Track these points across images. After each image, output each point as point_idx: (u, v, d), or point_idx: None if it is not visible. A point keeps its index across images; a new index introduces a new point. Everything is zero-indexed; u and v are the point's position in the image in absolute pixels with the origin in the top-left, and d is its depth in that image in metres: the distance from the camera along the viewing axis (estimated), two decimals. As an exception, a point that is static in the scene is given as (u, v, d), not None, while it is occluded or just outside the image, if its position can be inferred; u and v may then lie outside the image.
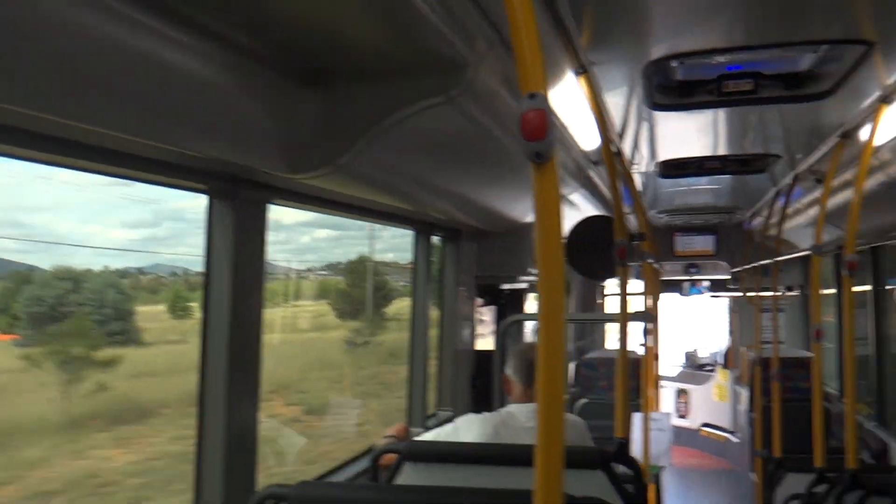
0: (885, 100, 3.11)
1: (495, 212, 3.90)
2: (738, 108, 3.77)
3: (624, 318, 2.86)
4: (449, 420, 3.32)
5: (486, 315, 5.01)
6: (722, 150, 4.79)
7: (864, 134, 3.20)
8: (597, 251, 2.88)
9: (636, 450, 4.83)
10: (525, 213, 4.18)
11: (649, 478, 5.14)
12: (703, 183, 6.64)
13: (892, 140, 3.76)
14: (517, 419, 3.01)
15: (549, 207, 1.16)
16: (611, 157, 2.78)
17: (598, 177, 4.63)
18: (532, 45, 1.11)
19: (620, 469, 2.60)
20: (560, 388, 1.16)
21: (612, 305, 11.11)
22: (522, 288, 5.11)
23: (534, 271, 4.80)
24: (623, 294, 2.83)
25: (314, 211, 3.05)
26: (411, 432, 3.41)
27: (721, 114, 3.92)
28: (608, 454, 2.55)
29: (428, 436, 3.20)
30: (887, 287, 7.11)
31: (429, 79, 2.15)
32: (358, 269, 18.52)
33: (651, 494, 6.01)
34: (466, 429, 3.01)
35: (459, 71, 2.14)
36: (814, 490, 3.85)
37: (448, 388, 4.45)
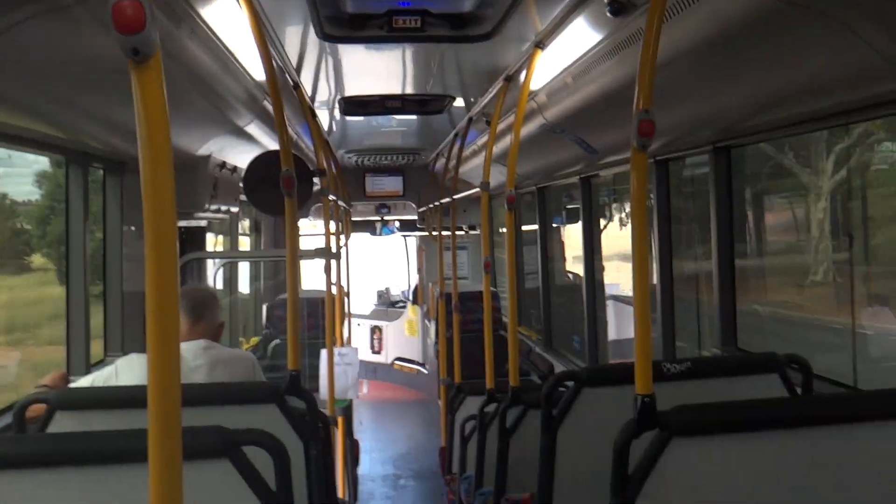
0: (539, 45, 3.32)
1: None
2: (415, 47, 3.84)
3: (294, 254, 2.80)
4: None
5: None
6: (403, 90, 4.90)
7: (523, 77, 3.42)
8: (274, 186, 2.79)
9: (323, 386, 4.89)
10: (199, 143, 3.95)
11: (336, 411, 5.23)
12: (391, 125, 6.79)
13: (547, 84, 4.08)
14: (184, 359, 2.87)
15: (154, 115, 1.05)
16: (276, 87, 2.67)
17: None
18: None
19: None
20: (174, 323, 1.06)
21: (308, 245, 11.09)
22: (202, 226, 4.87)
23: (213, 207, 4.59)
24: (292, 228, 2.77)
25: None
26: (72, 381, 3.12)
27: (399, 52, 3.98)
28: (279, 388, 2.50)
29: (84, 381, 2.96)
30: (554, 225, 7.87)
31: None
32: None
33: (340, 427, 6.15)
34: (127, 370, 2.82)
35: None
36: (485, 409, 4.15)
37: (117, 332, 4.13)
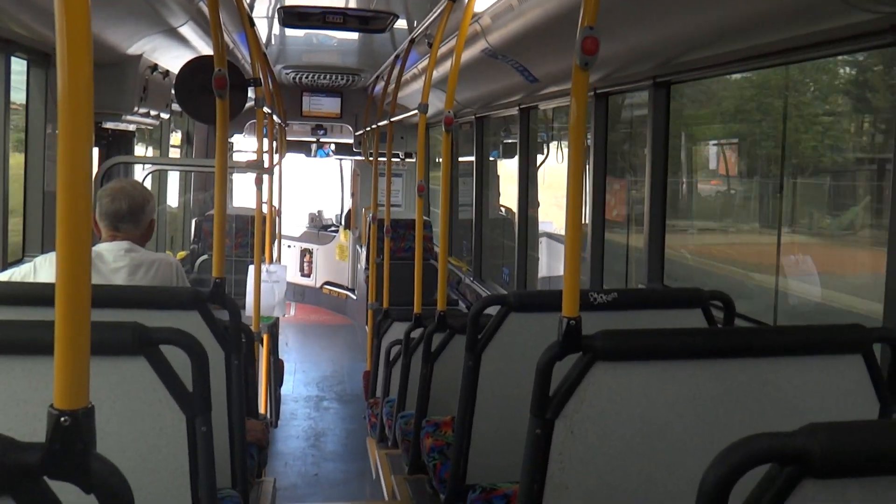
0: (486, -37, 3.24)
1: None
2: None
3: (223, 161, 2.70)
4: None
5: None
6: (346, 3, 4.75)
7: (469, -2, 3.33)
8: (206, 92, 2.67)
9: (249, 301, 4.83)
10: (128, 41, 3.74)
11: (261, 328, 5.19)
12: (331, 42, 6.60)
13: (492, 6, 3.99)
14: (105, 259, 2.78)
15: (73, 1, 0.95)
16: None
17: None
18: None
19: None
20: (85, 226, 0.98)
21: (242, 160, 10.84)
22: (130, 130, 4.68)
23: (143, 111, 4.40)
24: (223, 134, 2.66)
25: None
26: None
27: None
28: (202, 294, 2.44)
29: (2, 276, 2.85)
30: (491, 159, 7.84)
31: None
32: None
33: (265, 345, 6.12)
34: (47, 266, 2.73)
35: None
36: (411, 334, 4.17)
37: (37, 232, 3.96)
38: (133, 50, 3.88)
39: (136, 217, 2.88)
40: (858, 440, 1.02)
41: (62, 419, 0.97)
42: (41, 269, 2.74)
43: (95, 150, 4.53)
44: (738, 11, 2.48)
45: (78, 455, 0.98)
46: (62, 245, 0.97)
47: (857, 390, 1.88)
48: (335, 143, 10.94)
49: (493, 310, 2.65)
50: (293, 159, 11.48)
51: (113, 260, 2.78)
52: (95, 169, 4.48)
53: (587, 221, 4.52)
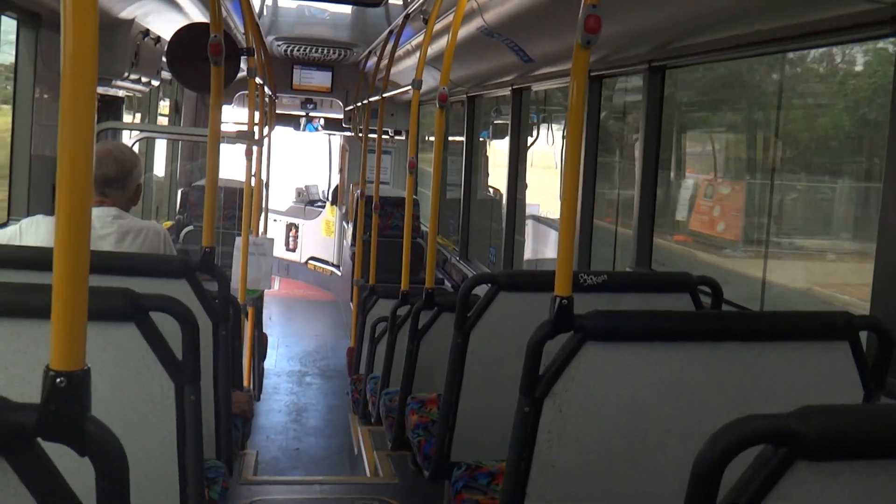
0: (487, -61, 3.21)
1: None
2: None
3: (215, 129, 2.67)
4: None
5: None
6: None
7: (466, -26, 3.31)
8: (199, 59, 2.63)
9: (236, 273, 4.81)
10: (123, 3, 3.68)
11: (247, 301, 5.17)
12: (324, 16, 6.54)
13: (491, -16, 3.97)
14: (93, 226, 2.74)
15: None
16: None
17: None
18: None
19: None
20: (87, 196, 0.97)
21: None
22: (119, 96, 4.62)
23: (133, 77, 4.34)
24: (217, 101, 2.64)
25: None
26: None
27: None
28: (192, 263, 2.42)
29: None
30: (480, 139, 7.82)
31: None
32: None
33: (250, 318, 6.10)
34: (33, 230, 2.70)
35: None
36: (397, 311, 4.17)
37: (23, 196, 3.92)
38: (125, 14, 3.82)
39: (123, 181, 2.85)
40: (852, 424, 1.03)
41: (58, 380, 0.96)
42: (26, 232, 2.71)
43: None
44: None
45: (73, 417, 0.97)
46: (62, 208, 0.96)
47: (842, 377, 1.90)
48: (325, 118, 10.87)
49: (480, 290, 2.65)
50: (282, 133, 11.41)
51: (101, 226, 2.76)
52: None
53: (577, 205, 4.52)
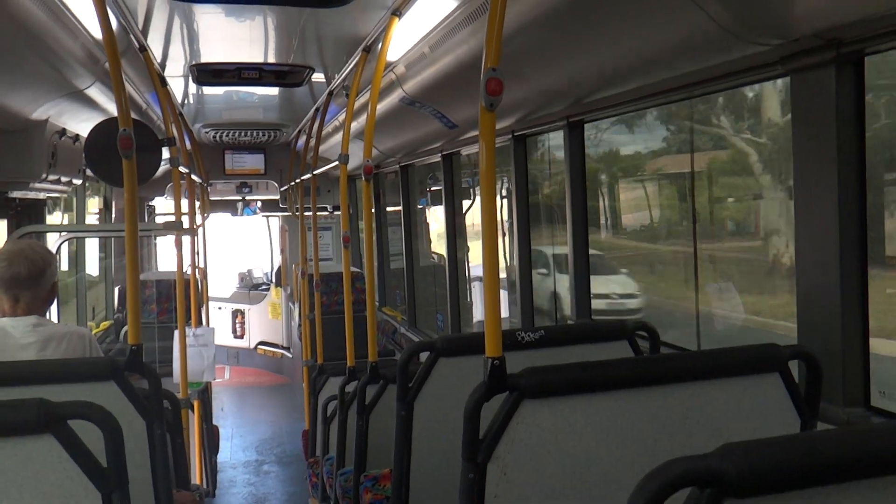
0: (396, 12, 3.27)
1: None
2: (273, 14, 3.70)
3: (133, 223, 2.61)
4: None
5: None
6: (263, 58, 4.73)
7: (381, 48, 3.36)
8: (118, 156, 2.59)
9: (176, 368, 4.68)
10: (32, 106, 3.64)
11: (191, 394, 5.03)
12: (251, 99, 6.56)
13: (406, 54, 4.04)
14: (11, 335, 2.64)
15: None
16: (113, 45, 2.49)
17: (126, 73, 4.25)
18: None
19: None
20: None
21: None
22: (40, 199, 4.53)
23: (52, 178, 4.27)
24: (131, 195, 2.58)
25: None
26: None
27: (256, 18, 3.83)
28: (119, 363, 2.34)
29: None
30: (419, 207, 7.86)
31: None
32: None
33: (196, 412, 5.93)
34: None
35: None
36: (346, 388, 4.10)
37: None
38: (38, 115, 3.77)
39: (36, 281, 2.74)
40: (774, 457, 1.02)
41: None
42: None
43: (3, 222, 4.36)
44: (639, 50, 2.56)
45: None
46: None
47: (778, 408, 1.90)
48: (261, 200, 10.83)
49: (425, 357, 2.62)
50: (220, 219, 11.32)
51: (21, 336, 2.66)
52: (4, 240, 4.32)
53: (515, 263, 4.54)
